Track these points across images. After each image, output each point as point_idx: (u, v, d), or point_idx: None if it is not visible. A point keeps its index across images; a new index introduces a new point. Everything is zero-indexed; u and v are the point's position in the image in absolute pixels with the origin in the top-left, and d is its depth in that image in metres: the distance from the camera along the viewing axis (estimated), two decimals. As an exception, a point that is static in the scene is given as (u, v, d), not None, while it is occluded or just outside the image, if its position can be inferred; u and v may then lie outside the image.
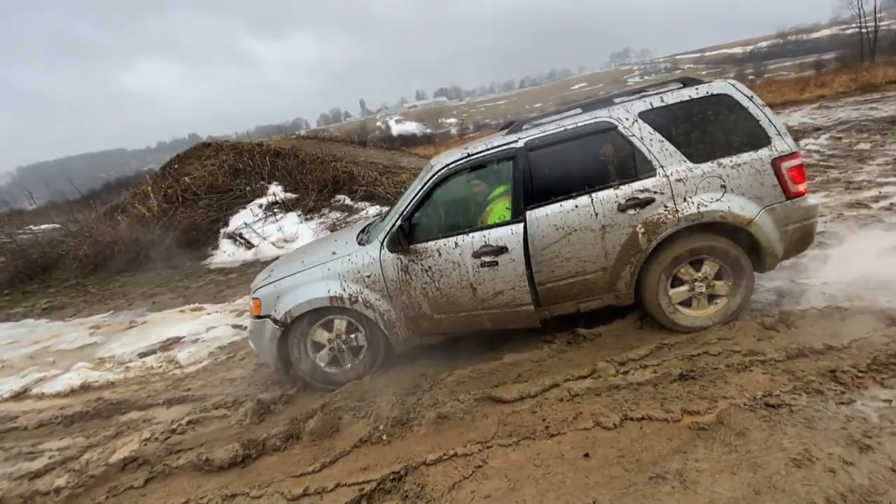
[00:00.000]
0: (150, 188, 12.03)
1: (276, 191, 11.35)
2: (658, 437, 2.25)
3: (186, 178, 11.96)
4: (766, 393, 2.38)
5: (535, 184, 3.05)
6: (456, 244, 3.06)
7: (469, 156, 3.19)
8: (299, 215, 10.53)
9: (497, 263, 2.98)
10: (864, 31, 33.11)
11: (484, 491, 2.14)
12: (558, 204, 3.02)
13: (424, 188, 3.19)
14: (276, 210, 10.78)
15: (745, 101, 3.00)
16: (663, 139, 3.00)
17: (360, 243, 3.45)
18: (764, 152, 2.94)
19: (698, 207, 2.93)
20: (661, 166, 2.98)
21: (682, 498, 1.90)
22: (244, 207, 11.06)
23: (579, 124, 3.07)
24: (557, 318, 3.26)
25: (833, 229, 4.52)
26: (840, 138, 9.31)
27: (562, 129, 3.08)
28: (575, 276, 3.08)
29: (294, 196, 11.15)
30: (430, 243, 3.11)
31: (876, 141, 8.38)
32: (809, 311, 3.10)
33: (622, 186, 2.99)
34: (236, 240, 10.21)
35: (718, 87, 3.04)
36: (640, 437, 2.27)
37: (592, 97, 3.89)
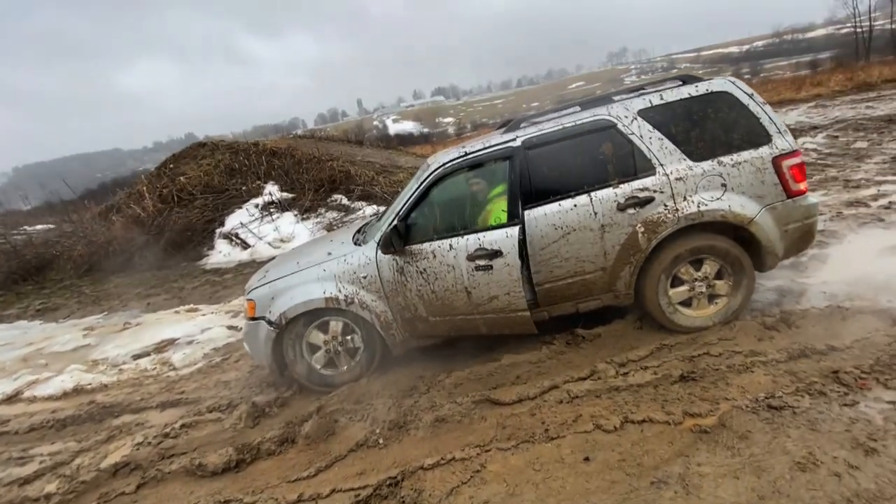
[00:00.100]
0: (145, 188, 11.94)
1: (272, 190, 11.27)
2: (659, 441, 2.21)
3: (182, 178, 11.87)
4: (769, 394, 2.35)
5: (534, 183, 3.00)
6: (450, 246, 3.01)
7: (466, 155, 3.14)
8: (296, 215, 10.47)
9: (491, 267, 2.92)
10: (858, 30, 33.21)
11: (482, 497, 2.10)
12: (557, 203, 2.97)
13: (420, 188, 3.14)
14: (272, 210, 10.71)
15: (745, 99, 2.96)
16: (663, 137, 2.96)
17: (356, 243, 3.40)
18: (764, 150, 2.91)
19: (698, 206, 2.90)
20: (661, 165, 2.94)
21: None
22: (240, 207, 10.98)
23: (578, 122, 3.02)
24: (556, 318, 3.22)
25: (832, 228, 4.50)
26: (837, 137, 9.31)
27: (560, 127, 3.04)
28: (574, 276, 3.04)
29: (290, 196, 11.08)
30: (425, 245, 3.06)
31: (873, 139, 8.37)
32: (810, 310, 3.07)
33: (621, 185, 2.95)
34: (232, 240, 10.13)
35: (718, 84, 3.01)
36: (641, 441, 2.23)
37: (590, 96, 3.85)
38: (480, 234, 2.96)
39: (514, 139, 3.07)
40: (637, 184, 2.94)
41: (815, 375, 2.44)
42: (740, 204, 2.90)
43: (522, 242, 2.98)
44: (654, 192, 2.92)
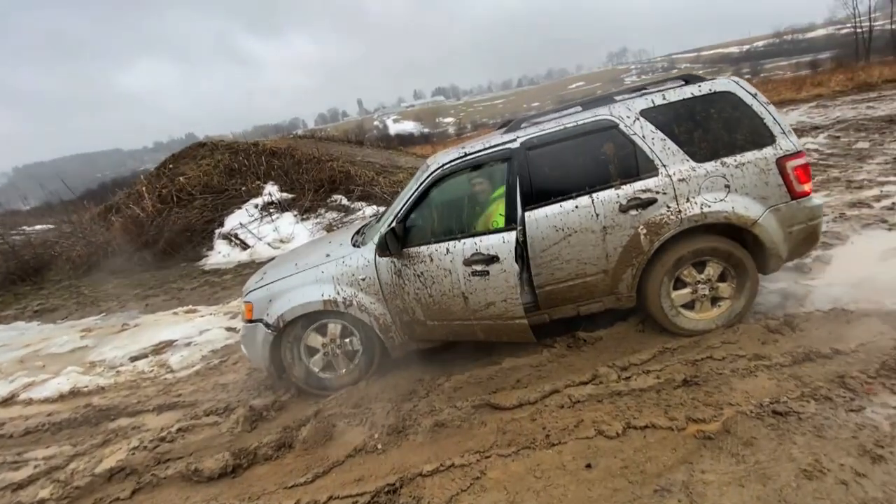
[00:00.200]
0: (144, 188, 11.91)
1: (272, 191, 11.24)
2: (662, 447, 2.17)
3: (181, 178, 11.84)
4: (773, 399, 2.31)
5: (534, 184, 2.96)
6: (447, 250, 2.96)
7: (466, 155, 3.10)
8: (295, 215, 10.43)
9: (488, 273, 2.86)
10: (858, 30, 33.13)
11: (482, 504, 2.06)
12: (558, 204, 2.93)
13: (419, 189, 3.10)
14: (271, 210, 10.68)
15: (748, 99, 2.92)
16: (665, 138, 2.92)
17: (354, 245, 3.36)
18: (768, 151, 2.87)
19: (702, 208, 2.86)
20: (664, 165, 2.90)
21: (689, 512, 1.82)
22: (240, 208, 10.95)
23: (579, 122, 2.99)
24: (557, 321, 3.18)
25: (836, 229, 4.46)
26: (838, 137, 9.26)
27: (561, 127, 3.00)
28: (575, 278, 3.00)
29: (290, 196, 11.04)
30: (422, 248, 3.02)
31: (875, 140, 8.33)
32: (814, 313, 3.03)
33: (623, 186, 2.91)
34: (231, 240, 10.10)
35: (722, 84, 2.97)
36: (644, 447, 2.19)
37: (591, 95, 3.81)
38: (477, 239, 2.91)
39: (514, 140, 3.03)
40: (639, 185, 2.90)
41: (821, 380, 2.40)
42: (744, 205, 2.86)
43: (523, 244, 2.94)
44: (657, 193, 2.88)
